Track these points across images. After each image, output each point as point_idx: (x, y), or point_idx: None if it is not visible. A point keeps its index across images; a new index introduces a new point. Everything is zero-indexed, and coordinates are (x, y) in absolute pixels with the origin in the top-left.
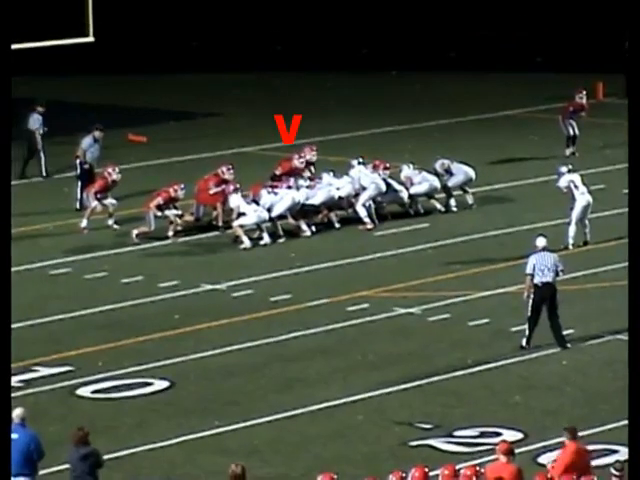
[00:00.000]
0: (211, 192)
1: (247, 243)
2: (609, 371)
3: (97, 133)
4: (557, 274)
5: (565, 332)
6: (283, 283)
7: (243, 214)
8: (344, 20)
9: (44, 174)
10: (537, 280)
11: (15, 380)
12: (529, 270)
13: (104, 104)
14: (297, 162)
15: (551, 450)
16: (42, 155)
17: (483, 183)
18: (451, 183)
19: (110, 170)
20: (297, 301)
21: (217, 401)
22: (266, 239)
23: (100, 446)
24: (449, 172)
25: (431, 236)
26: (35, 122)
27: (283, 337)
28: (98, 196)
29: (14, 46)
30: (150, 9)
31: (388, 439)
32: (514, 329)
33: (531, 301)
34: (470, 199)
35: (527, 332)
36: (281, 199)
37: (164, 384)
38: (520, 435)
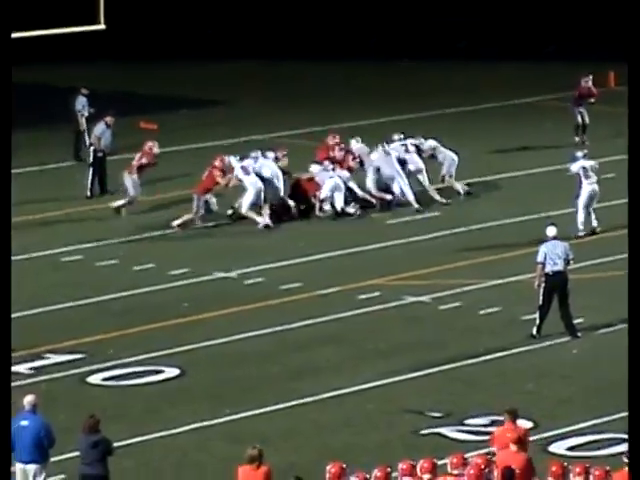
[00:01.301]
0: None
1: (263, 221)
2: (620, 360)
3: (109, 119)
4: (568, 263)
5: (576, 321)
6: (294, 271)
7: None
8: (354, 8)
9: (77, 157)
10: (548, 269)
11: (26, 367)
12: (540, 259)
13: (115, 92)
14: (337, 152)
15: (562, 438)
16: (86, 137)
17: (495, 171)
18: (446, 171)
19: (151, 144)
20: (308, 289)
21: (227, 389)
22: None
23: (111, 433)
24: (433, 156)
25: (442, 224)
26: (78, 104)
27: (294, 325)
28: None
29: (26, 34)
30: None
31: (399, 427)
32: (525, 317)
33: (542, 290)
34: (461, 188)
35: (538, 321)
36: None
37: (175, 372)
38: (531, 424)
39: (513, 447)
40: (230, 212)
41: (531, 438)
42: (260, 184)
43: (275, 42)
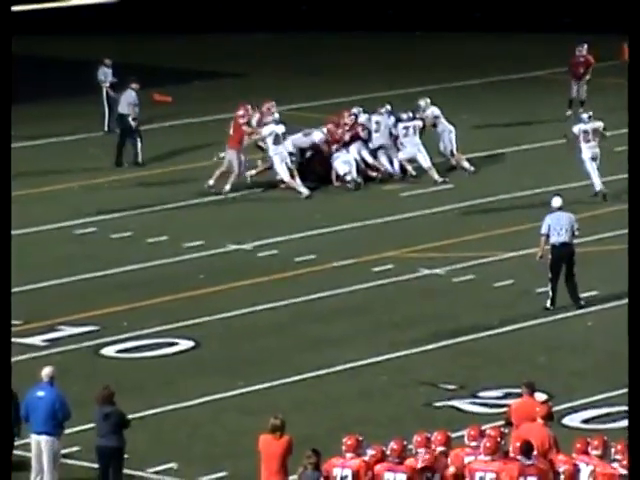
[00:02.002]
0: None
1: (305, 191)
2: None
3: (135, 85)
4: (573, 234)
5: (590, 293)
6: (308, 243)
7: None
8: None
9: (106, 129)
10: (553, 240)
11: (40, 339)
12: (544, 230)
13: (129, 64)
14: (347, 119)
15: (576, 411)
16: (105, 108)
17: (509, 144)
18: (449, 145)
19: (268, 105)
20: (322, 261)
21: (241, 361)
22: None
23: (124, 405)
24: (434, 125)
25: (457, 197)
26: (101, 74)
27: (308, 297)
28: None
29: (39, 6)
30: None
31: (412, 400)
32: (539, 290)
33: (549, 262)
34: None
35: (550, 293)
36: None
37: (189, 344)
38: (545, 396)
39: (540, 421)
40: (251, 174)
41: None
42: (285, 154)
43: (290, 14)
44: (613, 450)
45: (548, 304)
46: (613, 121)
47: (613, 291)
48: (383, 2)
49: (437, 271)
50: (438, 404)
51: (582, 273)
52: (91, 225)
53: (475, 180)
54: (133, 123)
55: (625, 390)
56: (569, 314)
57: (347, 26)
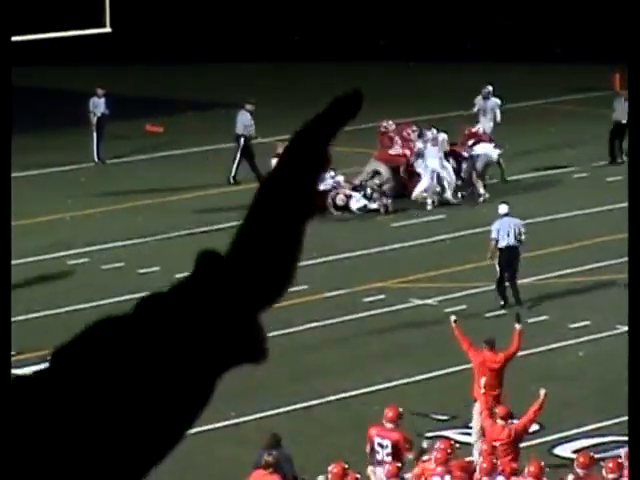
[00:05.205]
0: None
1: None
2: (625, 362)
3: (249, 106)
4: (519, 239)
5: (581, 324)
6: (299, 273)
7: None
8: (362, 10)
9: (95, 159)
10: (501, 244)
11: (32, 371)
12: (494, 235)
13: (121, 94)
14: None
15: (568, 441)
16: (94, 138)
17: (499, 174)
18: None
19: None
20: (314, 292)
21: (233, 391)
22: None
23: None
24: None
25: (447, 227)
26: (91, 105)
27: (300, 328)
28: None
29: (31, 37)
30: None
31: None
32: (530, 320)
33: (497, 264)
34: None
35: (499, 292)
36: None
37: None
38: (536, 426)
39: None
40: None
41: (537, 441)
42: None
43: (282, 44)
44: (604, 470)
45: (502, 303)
46: (606, 152)
47: (606, 321)
48: (375, 32)
49: (428, 301)
50: (430, 434)
51: (574, 303)
52: (83, 256)
53: (466, 210)
54: (248, 143)
55: (616, 420)
56: (560, 344)
57: (338, 56)
